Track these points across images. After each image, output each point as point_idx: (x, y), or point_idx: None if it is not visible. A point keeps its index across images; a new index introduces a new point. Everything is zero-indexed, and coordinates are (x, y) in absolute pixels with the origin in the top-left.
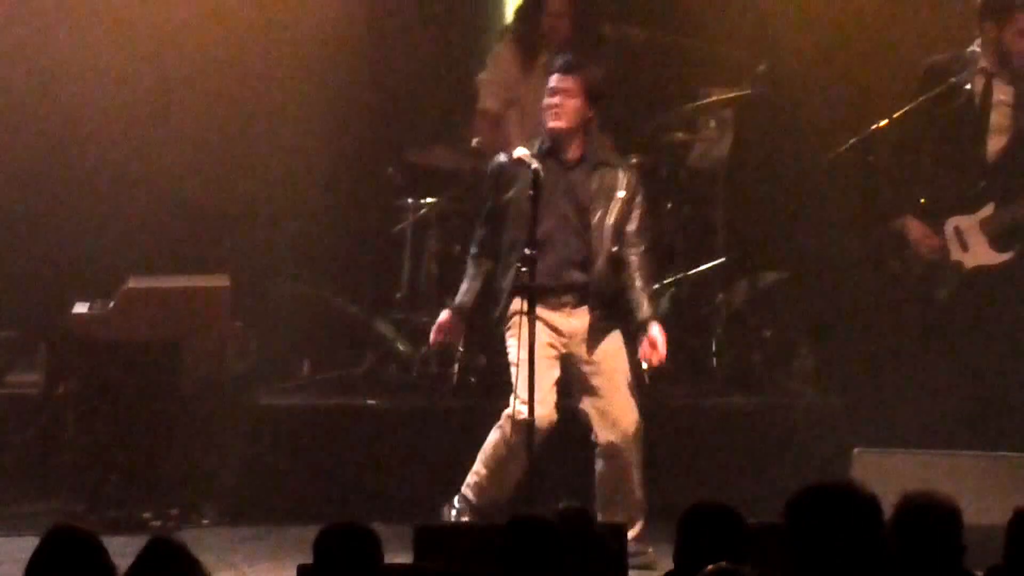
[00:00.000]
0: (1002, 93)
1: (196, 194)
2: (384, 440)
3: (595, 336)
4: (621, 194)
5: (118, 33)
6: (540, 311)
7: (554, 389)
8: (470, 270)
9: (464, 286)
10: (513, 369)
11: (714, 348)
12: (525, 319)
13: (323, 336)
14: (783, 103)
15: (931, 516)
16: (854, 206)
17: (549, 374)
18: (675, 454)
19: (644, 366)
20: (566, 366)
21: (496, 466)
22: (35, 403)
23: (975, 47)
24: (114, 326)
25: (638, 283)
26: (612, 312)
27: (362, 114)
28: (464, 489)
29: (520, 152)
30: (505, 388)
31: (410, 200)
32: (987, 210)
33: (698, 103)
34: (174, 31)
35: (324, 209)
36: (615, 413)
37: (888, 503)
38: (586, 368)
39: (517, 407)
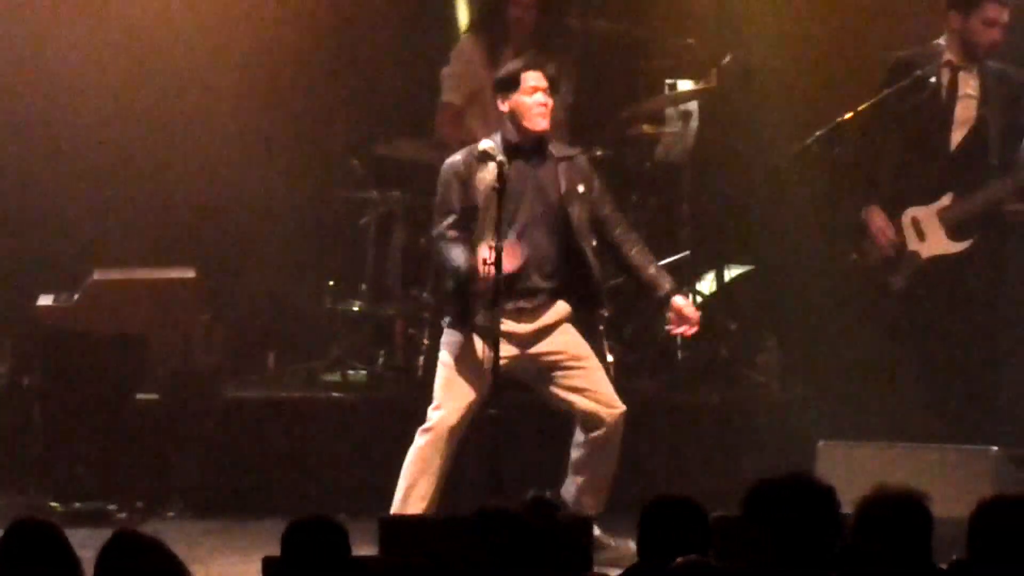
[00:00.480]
0: (967, 87)
1: (162, 187)
2: (349, 433)
3: (567, 333)
4: (582, 188)
5: (83, 28)
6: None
7: (470, 403)
8: (454, 242)
9: (458, 251)
10: (437, 376)
11: (679, 341)
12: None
13: (288, 329)
14: (749, 96)
15: (900, 510)
16: (820, 199)
17: (467, 388)
18: (640, 447)
19: (610, 358)
20: (530, 368)
21: (413, 473)
22: (0, 396)
23: (941, 40)
24: (79, 318)
25: (647, 261)
26: (580, 308)
27: (328, 107)
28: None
29: (486, 145)
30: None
31: (375, 193)
32: (945, 200)
33: (664, 96)
34: (138, 27)
35: (289, 202)
36: (603, 405)
37: (853, 495)
38: (562, 365)
39: (429, 415)
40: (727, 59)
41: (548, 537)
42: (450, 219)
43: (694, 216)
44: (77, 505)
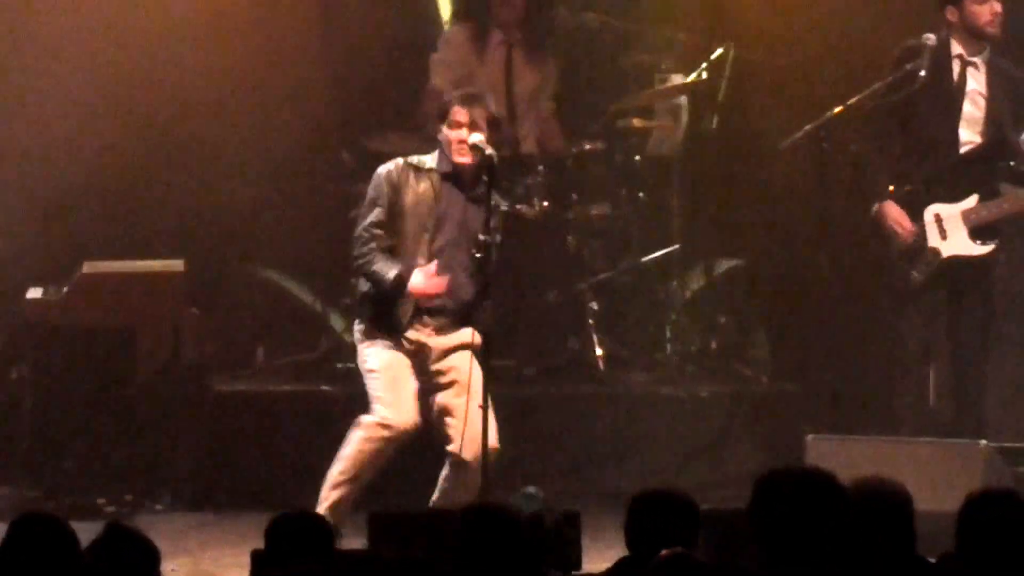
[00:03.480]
0: (976, 83)
1: (151, 179)
2: (338, 426)
3: (463, 357)
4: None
5: (75, 19)
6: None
7: (416, 397)
8: (379, 252)
9: (383, 263)
10: (372, 379)
11: (669, 335)
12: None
13: (277, 322)
14: (738, 90)
15: (882, 502)
16: (809, 193)
17: (412, 383)
18: (630, 440)
19: (599, 351)
20: (424, 380)
21: (358, 469)
22: None
23: (930, 36)
24: (69, 311)
25: None
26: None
27: (317, 100)
28: (324, 491)
29: (421, 160)
30: None
31: (365, 186)
32: (970, 202)
33: (653, 90)
34: (129, 22)
35: (279, 195)
36: (473, 436)
37: None
38: (448, 388)
39: (383, 413)
40: (717, 53)
41: (537, 532)
42: (375, 219)
43: (684, 210)
44: (66, 498)
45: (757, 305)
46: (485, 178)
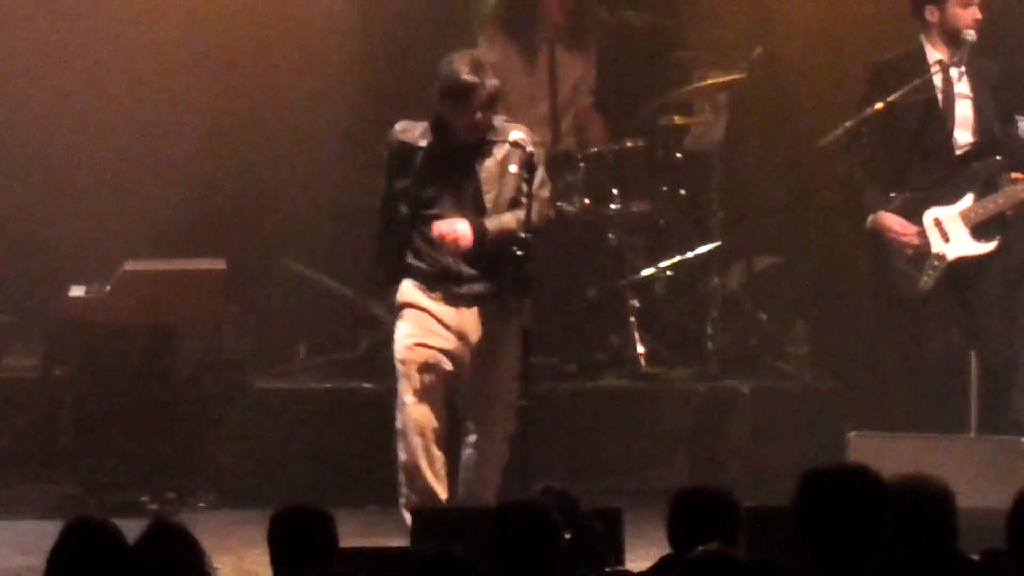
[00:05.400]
0: (961, 86)
1: (192, 178)
2: (381, 423)
3: (502, 334)
4: (514, 168)
5: (117, 19)
6: (430, 302)
7: (442, 385)
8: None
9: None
10: (400, 366)
11: (710, 331)
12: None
13: (319, 319)
14: (779, 87)
15: (924, 499)
16: (848, 190)
17: (436, 369)
18: (671, 437)
19: (640, 349)
20: (455, 360)
21: (418, 427)
22: (32, 387)
23: (970, 32)
24: (111, 309)
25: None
26: (506, 302)
27: (356, 95)
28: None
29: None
30: None
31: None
32: (967, 201)
33: (694, 87)
34: (172, 19)
35: (320, 191)
36: (497, 410)
37: None
38: (477, 365)
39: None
40: (757, 50)
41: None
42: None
43: (724, 206)
44: (109, 496)
45: (798, 302)
46: (526, 175)
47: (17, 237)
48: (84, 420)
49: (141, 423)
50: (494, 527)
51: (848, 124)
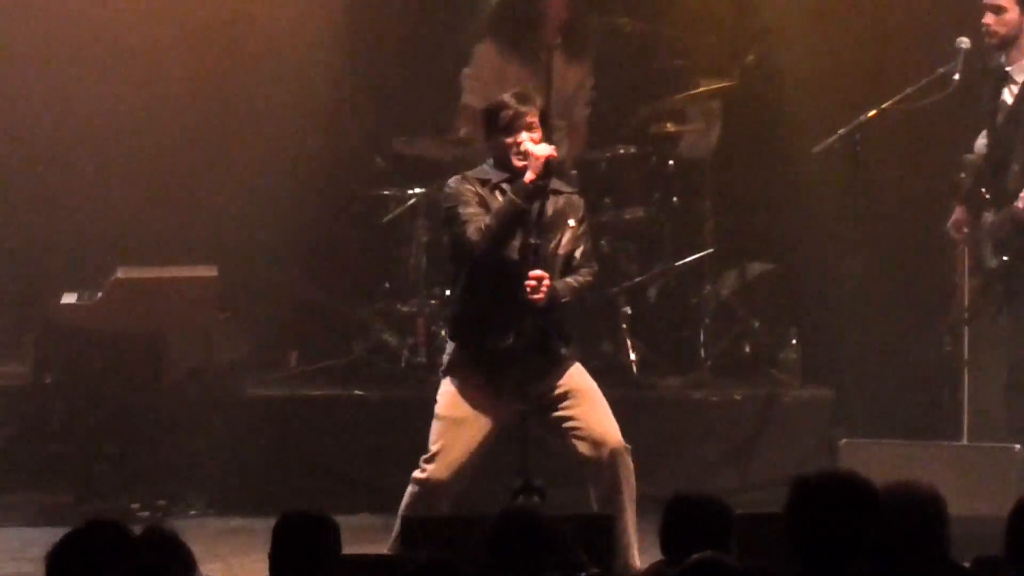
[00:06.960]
0: (1009, 95)
1: (184, 185)
2: (372, 431)
3: (562, 376)
4: (572, 222)
5: (106, 27)
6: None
7: (468, 455)
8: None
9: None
10: (435, 422)
11: (702, 339)
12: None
13: (310, 327)
14: (771, 94)
15: (915, 506)
16: (842, 197)
17: (469, 441)
18: (663, 444)
19: (632, 356)
20: (540, 417)
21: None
22: (22, 394)
23: (963, 39)
24: (102, 316)
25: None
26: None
27: (349, 105)
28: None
29: (483, 172)
30: None
31: (397, 190)
32: (988, 215)
33: (686, 94)
34: (162, 25)
35: (312, 200)
36: (601, 435)
37: None
38: (562, 409)
39: (423, 466)
40: (750, 58)
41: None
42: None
43: (717, 214)
44: (99, 503)
45: (790, 309)
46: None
47: (8, 244)
48: (75, 427)
49: (132, 430)
50: (487, 533)
51: (842, 131)
